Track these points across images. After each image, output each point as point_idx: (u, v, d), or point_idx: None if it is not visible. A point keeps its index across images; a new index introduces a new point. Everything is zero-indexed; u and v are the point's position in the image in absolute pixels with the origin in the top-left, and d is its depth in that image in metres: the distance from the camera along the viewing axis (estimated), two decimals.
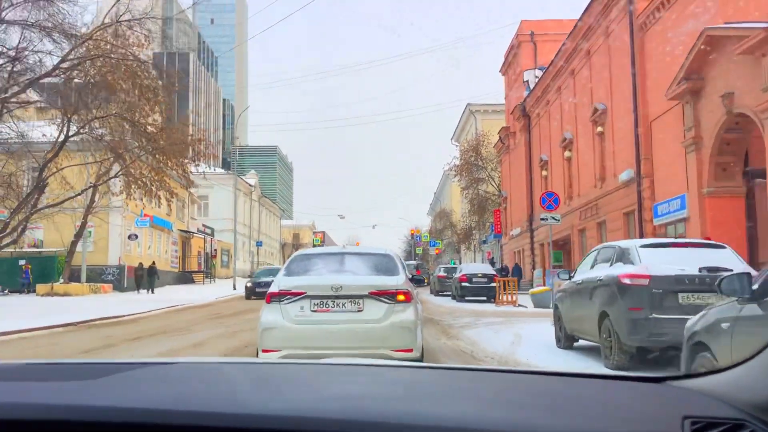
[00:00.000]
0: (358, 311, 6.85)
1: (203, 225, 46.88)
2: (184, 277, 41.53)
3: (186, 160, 24.83)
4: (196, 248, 44.12)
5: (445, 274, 28.59)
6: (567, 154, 30.68)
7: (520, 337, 10.78)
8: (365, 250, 8.59)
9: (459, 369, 2.13)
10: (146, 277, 33.97)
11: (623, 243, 8.47)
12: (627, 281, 7.38)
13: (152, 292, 34.19)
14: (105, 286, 31.23)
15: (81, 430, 1.15)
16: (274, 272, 28.01)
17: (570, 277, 9.05)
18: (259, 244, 63.01)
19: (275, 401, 1.28)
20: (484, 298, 23.32)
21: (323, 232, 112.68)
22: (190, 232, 43.25)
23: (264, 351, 6.92)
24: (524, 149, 38.50)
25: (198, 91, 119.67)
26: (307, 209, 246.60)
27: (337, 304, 6.84)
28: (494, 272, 24.73)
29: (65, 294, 27.53)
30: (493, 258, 51.17)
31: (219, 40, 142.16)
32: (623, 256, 7.92)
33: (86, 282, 30.21)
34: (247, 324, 13.94)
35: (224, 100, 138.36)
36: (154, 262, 37.57)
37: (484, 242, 55.99)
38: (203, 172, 55.24)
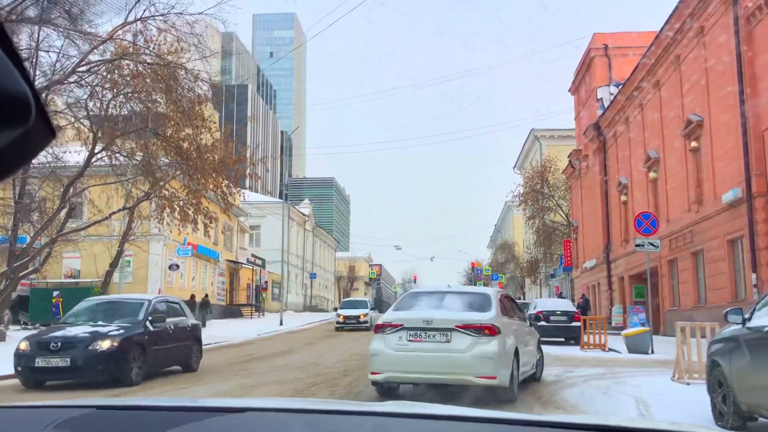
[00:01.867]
0: (446, 342, 7.95)
1: (253, 255, 44.65)
2: (232, 311, 39.20)
3: (224, 180, 22.35)
4: (245, 280, 41.82)
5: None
6: (652, 175, 27.10)
7: (647, 404, 7.54)
8: (466, 290, 10.63)
9: (517, 422, 1.61)
10: (198, 311, 32.13)
11: None
12: None
13: (203, 326, 32.12)
14: None
15: None
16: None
17: (745, 321, 5.80)
18: (312, 276, 60.61)
19: None
20: (562, 340, 19.88)
21: (380, 265, 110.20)
22: (238, 262, 41.05)
23: (372, 373, 8.35)
24: (599, 173, 34.95)
25: (257, 122, 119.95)
26: (363, 241, 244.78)
27: (429, 335, 8.03)
28: (575, 309, 21.18)
29: None
30: (561, 293, 47.31)
31: (278, 73, 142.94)
32: None
33: None
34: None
35: (282, 132, 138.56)
36: (207, 295, 35.57)
37: (552, 276, 52.12)
38: (255, 201, 53.57)
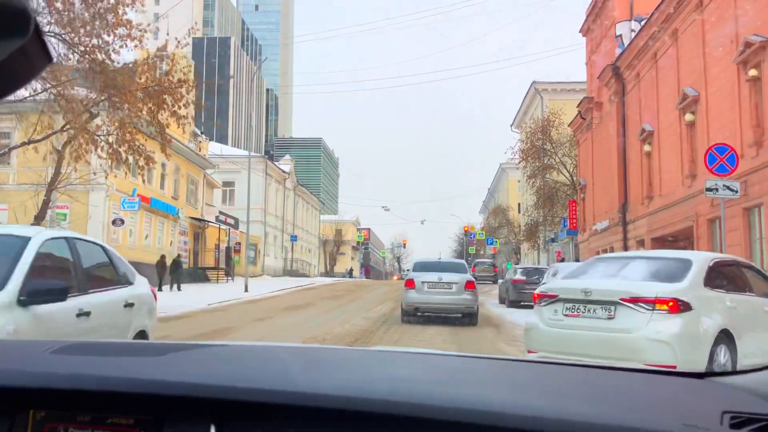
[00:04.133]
0: (609, 318, 6.68)
1: (222, 213, 39.98)
2: (197, 275, 34.75)
3: (161, 108, 17.56)
4: (213, 240, 37.19)
5: (525, 278, 20.76)
6: (689, 117, 22.55)
7: None
8: (657, 255, 8.57)
9: (504, 359, 2.07)
10: (170, 274, 28.30)
11: None
12: None
13: (179, 289, 28.11)
14: None
15: (141, 402, 1.21)
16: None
17: None
18: (293, 238, 56.10)
19: (325, 381, 1.29)
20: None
21: (368, 229, 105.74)
22: (204, 221, 36.40)
23: (528, 352, 7.46)
24: (615, 122, 30.38)
25: (239, 80, 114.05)
26: (351, 204, 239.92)
27: (588, 310, 6.82)
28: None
29: None
30: (564, 259, 43.10)
31: (263, 27, 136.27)
32: None
33: None
34: None
35: (268, 90, 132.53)
36: (179, 255, 31.27)
37: (553, 240, 47.84)
38: (229, 154, 48.65)
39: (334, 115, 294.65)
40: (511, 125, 66.22)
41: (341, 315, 17.41)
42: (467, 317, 15.03)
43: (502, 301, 23.27)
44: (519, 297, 20.32)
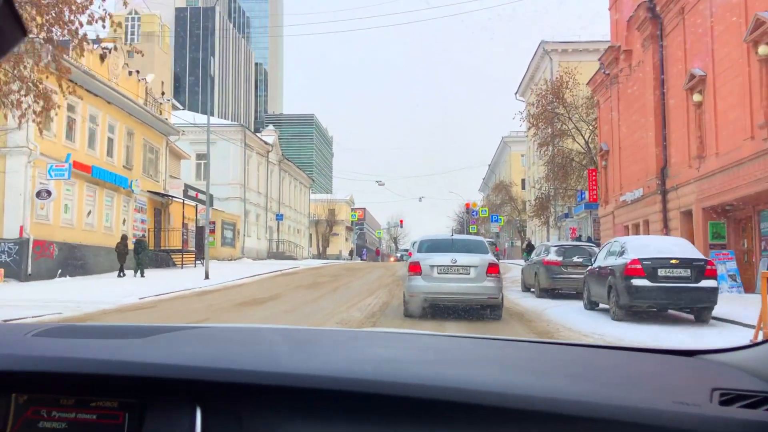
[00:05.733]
0: None
1: (191, 188, 34.95)
2: (159, 258, 29.83)
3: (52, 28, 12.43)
4: (179, 219, 32.16)
5: (560, 259, 15.76)
6: (762, 50, 17.51)
7: None
8: None
9: (491, 339, 1.96)
10: (135, 256, 24.08)
11: None
12: None
13: (143, 275, 23.62)
14: None
15: (125, 385, 1.19)
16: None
17: None
18: (279, 217, 51.08)
19: (312, 361, 1.29)
20: (672, 312, 10.65)
21: (364, 209, 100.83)
22: (168, 196, 31.37)
23: None
24: (652, 69, 25.33)
25: (225, 52, 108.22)
26: (344, 180, 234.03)
27: None
28: (702, 256, 11.40)
29: None
30: (580, 237, 38.28)
31: None
32: None
33: None
34: None
35: (256, 64, 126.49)
36: (144, 235, 26.55)
37: (566, 216, 42.96)
38: (202, 123, 43.44)
39: (328, 92, 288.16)
40: (516, 93, 61.04)
41: (312, 315, 12.55)
42: (489, 310, 11.84)
43: (527, 288, 18.40)
44: (554, 283, 15.45)
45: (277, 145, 50.74)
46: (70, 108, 22.94)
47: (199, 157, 42.68)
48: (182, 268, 29.25)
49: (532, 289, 17.76)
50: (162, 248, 30.80)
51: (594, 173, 34.57)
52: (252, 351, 1.43)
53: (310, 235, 73.05)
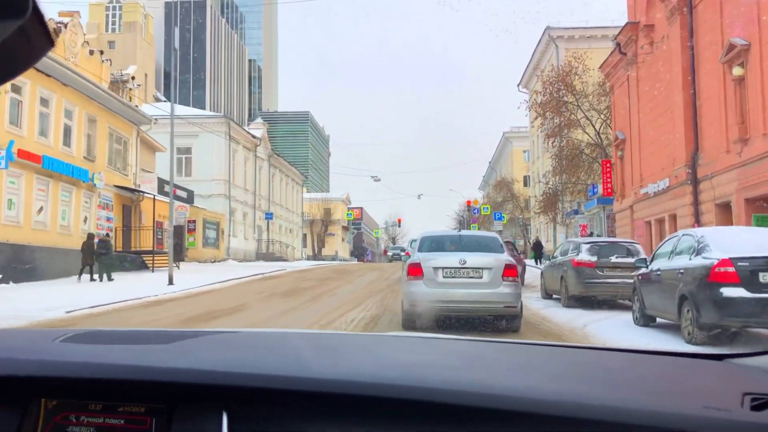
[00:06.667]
0: None
1: (161, 180, 31.89)
2: (128, 261, 26.82)
3: None
4: (151, 216, 29.01)
5: (594, 259, 12.55)
6: None
7: None
8: None
9: (519, 343, 1.99)
10: (97, 258, 21.47)
11: None
12: None
13: (110, 279, 21.28)
14: None
15: (152, 390, 1.20)
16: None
17: None
18: (269, 216, 48.04)
19: (338, 366, 1.29)
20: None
21: (361, 208, 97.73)
22: (139, 191, 28.29)
23: None
24: (680, 43, 22.35)
25: (217, 48, 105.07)
26: (341, 180, 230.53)
27: None
28: None
29: None
30: (592, 233, 35.29)
31: None
32: None
33: None
34: None
35: (250, 60, 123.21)
36: (108, 234, 23.78)
37: (575, 212, 39.96)
38: (184, 114, 40.37)
39: (325, 90, 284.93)
40: (519, 84, 58.11)
41: None
42: (505, 320, 9.97)
43: (548, 295, 15.35)
44: (587, 290, 12.43)
45: (266, 140, 47.65)
46: (15, 89, 19.95)
47: (181, 151, 39.70)
48: (153, 271, 26.21)
49: (555, 296, 14.76)
50: (132, 249, 27.76)
51: (608, 165, 31.59)
52: (278, 356, 1.42)
53: (305, 235, 70.10)
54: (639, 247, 13.24)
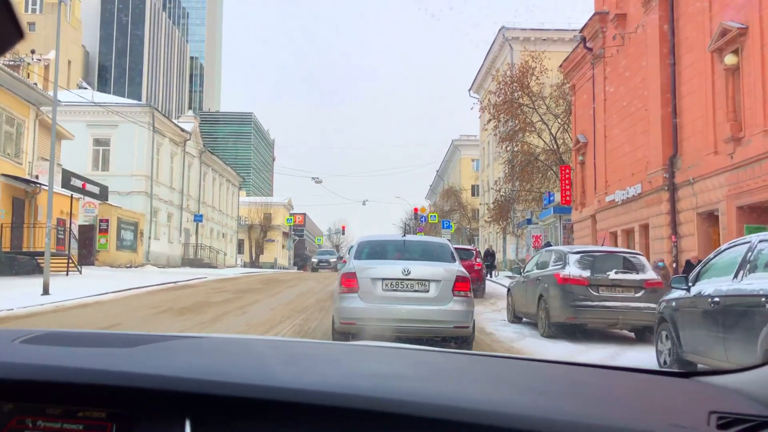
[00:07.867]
0: None
1: (75, 175, 27.81)
2: (16, 265, 22.79)
3: None
4: (55, 214, 24.90)
5: (587, 275, 8.98)
6: None
7: None
8: None
9: (489, 356, 1.94)
10: None
11: None
12: None
13: None
14: None
15: (114, 395, 1.15)
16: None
17: None
18: (198, 218, 44.02)
19: (306, 376, 1.25)
20: None
21: (304, 215, 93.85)
22: (34, 182, 24.21)
23: None
24: (657, 33, 19.82)
25: (157, 42, 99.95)
26: (284, 183, 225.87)
27: None
28: None
29: None
30: (549, 243, 32.68)
31: None
32: None
33: None
34: None
35: (192, 57, 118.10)
36: None
37: (528, 222, 37.39)
38: (103, 101, 36.21)
39: (270, 94, 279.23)
40: (470, 89, 55.71)
41: None
42: (455, 342, 8.38)
43: (516, 318, 12.17)
44: (577, 315, 9.38)
45: (197, 134, 43.66)
46: None
47: (99, 143, 35.57)
48: (56, 274, 22.18)
49: (525, 320, 11.73)
50: (24, 250, 23.70)
51: (567, 170, 29.10)
52: (244, 363, 1.38)
53: (241, 240, 66.12)
54: (644, 259, 10.31)
